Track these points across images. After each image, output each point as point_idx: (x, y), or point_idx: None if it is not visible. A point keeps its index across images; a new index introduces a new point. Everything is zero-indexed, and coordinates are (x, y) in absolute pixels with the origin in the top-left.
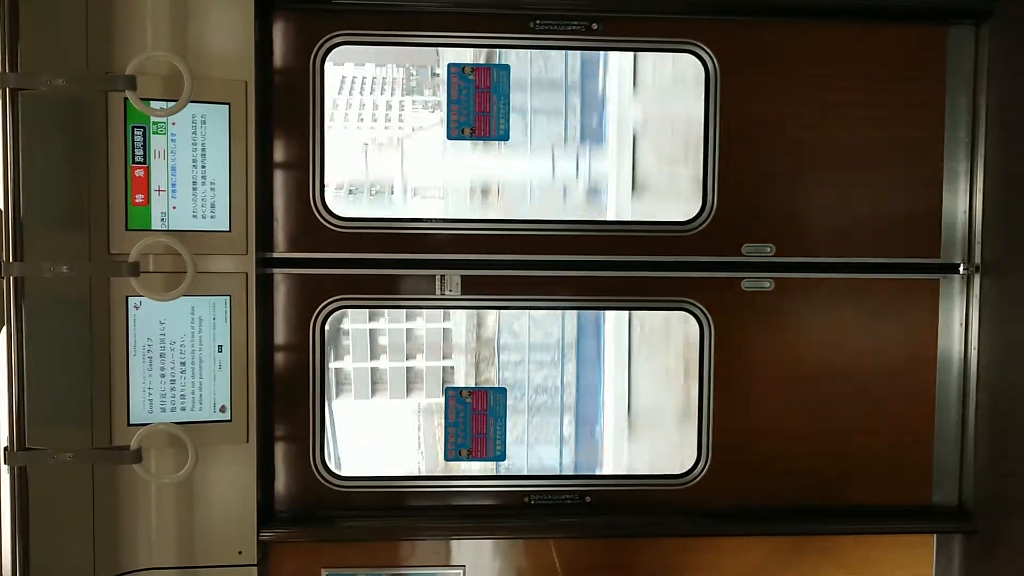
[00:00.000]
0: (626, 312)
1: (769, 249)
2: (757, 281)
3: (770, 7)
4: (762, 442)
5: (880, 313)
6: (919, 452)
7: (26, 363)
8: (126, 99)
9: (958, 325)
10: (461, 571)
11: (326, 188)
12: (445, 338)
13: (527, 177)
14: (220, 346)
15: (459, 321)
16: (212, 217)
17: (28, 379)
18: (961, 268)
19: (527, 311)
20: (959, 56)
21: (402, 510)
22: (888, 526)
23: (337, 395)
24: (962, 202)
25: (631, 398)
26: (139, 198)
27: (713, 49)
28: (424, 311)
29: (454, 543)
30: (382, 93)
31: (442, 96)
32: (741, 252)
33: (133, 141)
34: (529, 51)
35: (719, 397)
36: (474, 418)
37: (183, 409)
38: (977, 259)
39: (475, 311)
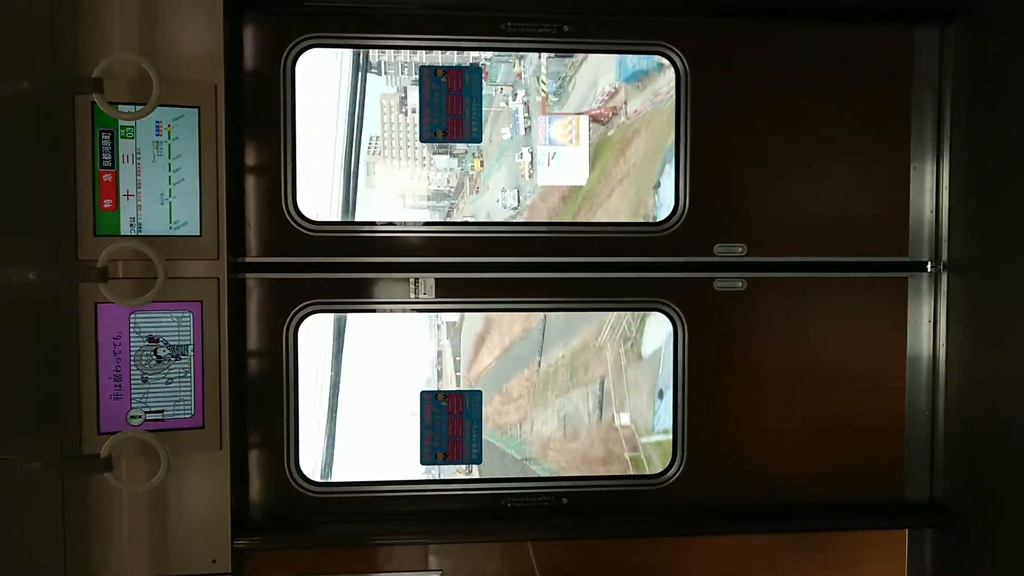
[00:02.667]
0: None
1: (741, 249)
2: (729, 281)
3: (739, 9)
4: (736, 441)
5: (850, 312)
6: (890, 449)
7: None
8: (93, 102)
9: (927, 322)
10: (439, 575)
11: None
12: None
13: None
14: (189, 351)
15: None
16: (182, 222)
17: None
18: (929, 266)
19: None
20: (925, 57)
21: (378, 515)
22: (861, 522)
23: None
24: (929, 201)
25: None
26: (107, 203)
27: (683, 51)
28: None
29: (431, 547)
30: None
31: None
32: (713, 252)
33: (101, 145)
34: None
35: (693, 397)
36: (450, 421)
37: (156, 416)
38: (944, 257)
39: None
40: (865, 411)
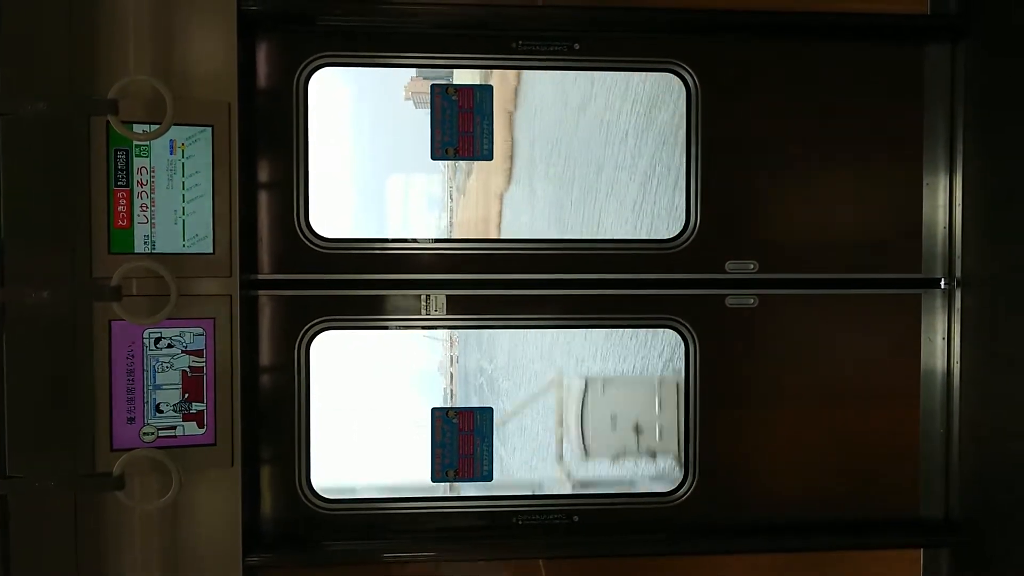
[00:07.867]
0: None
1: (752, 266)
2: (741, 298)
3: (750, 27)
4: (748, 459)
5: (863, 328)
6: (905, 467)
7: (7, 389)
8: (108, 122)
9: (940, 339)
10: None
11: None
12: None
13: None
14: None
15: None
16: (196, 239)
17: (9, 405)
18: (942, 283)
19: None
20: (936, 73)
21: (390, 532)
22: (875, 541)
23: None
24: (942, 217)
25: None
26: (122, 221)
27: (694, 68)
28: None
29: (443, 565)
30: None
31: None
32: (725, 269)
33: (115, 164)
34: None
35: (704, 414)
36: (460, 438)
37: (168, 433)
38: (958, 273)
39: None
40: (878, 429)
